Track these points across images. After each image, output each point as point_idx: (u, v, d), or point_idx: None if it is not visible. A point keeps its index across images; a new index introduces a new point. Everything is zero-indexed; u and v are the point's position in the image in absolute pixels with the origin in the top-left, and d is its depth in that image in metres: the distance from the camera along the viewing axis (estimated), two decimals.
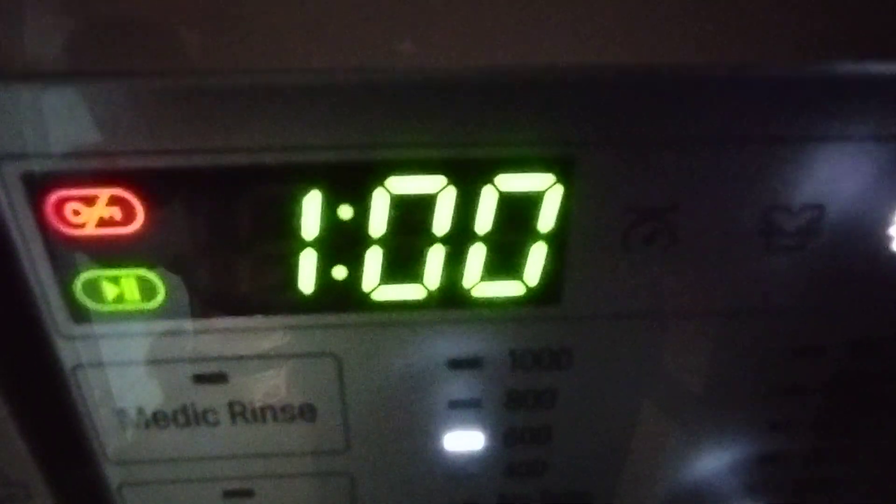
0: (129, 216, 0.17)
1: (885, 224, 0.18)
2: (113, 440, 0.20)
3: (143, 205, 0.16)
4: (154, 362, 0.19)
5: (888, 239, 0.18)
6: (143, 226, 0.17)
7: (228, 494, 0.22)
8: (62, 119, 0.15)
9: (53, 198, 0.16)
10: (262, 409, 0.20)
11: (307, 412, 0.20)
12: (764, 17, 0.15)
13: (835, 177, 0.17)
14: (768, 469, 0.23)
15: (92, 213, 0.17)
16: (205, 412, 0.20)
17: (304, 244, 0.17)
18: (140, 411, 0.20)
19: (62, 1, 0.14)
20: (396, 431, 0.21)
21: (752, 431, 0.22)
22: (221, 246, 0.17)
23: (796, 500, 0.23)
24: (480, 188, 0.17)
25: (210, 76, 0.15)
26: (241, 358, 0.19)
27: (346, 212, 0.17)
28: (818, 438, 0.22)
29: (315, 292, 0.18)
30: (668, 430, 0.22)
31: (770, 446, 0.22)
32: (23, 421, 0.19)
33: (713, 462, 0.23)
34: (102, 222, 0.17)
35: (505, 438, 0.21)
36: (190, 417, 0.20)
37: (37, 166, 0.16)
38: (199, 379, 0.19)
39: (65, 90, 0.15)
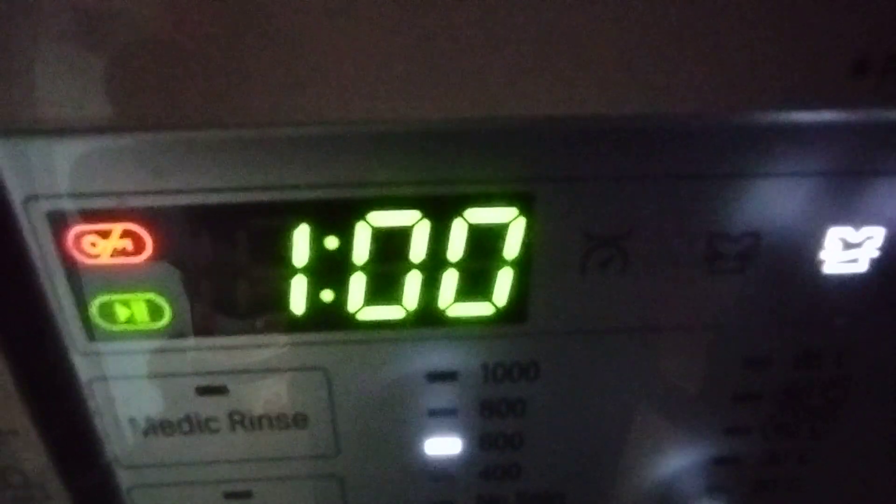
0: (139, 247, 0.19)
1: (815, 249, 0.20)
2: (124, 446, 0.22)
3: (151, 237, 0.19)
4: (161, 376, 0.21)
5: (818, 262, 0.20)
6: (152, 256, 0.19)
7: (229, 496, 0.24)
8: (81, 165, 0.17)
9: (73, 232, 0.18)
10: (259, 418, 0.22)
11: (300, 420, 0.22)
12: (702, 68, 0.17)
13: (768, 208, 0.19)
14: (726, 470, 0.25)
15: (107, 245, 0.19)
16: (207, 421, 0.22)
17: (295, 271, 0.19)
18: (149, 420, 0.22)
19: (77, 59, 0.16)
20: (381, 437, 0.23)
21: (708, 436, 0.24)
22: (221, 273, 0.19)
23: (754, 499, 0.25)
24: (452, 221, 0.19)
25: (210, 128, 0.17)
26: (239, 372, 0.21)
27: (332, 242, 0.19)
28: (770, 441, 0.24)
29: (306, 313, 0.20)
30: (631, 434, 0.24)
31: (726, 449, 0.24)
32: (43, 428, 0.21)
33: (675, 464, 0.24)
34: (116, 253, 0.19)
35: (480, 443, 0.23)
36: (193, 425, 0.22)
37: (59, 206, 0.18)
38: (202, 391, 0.22)
39: (81, 141, 0.17)
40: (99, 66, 0.16)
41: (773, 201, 0.19)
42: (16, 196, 0.18)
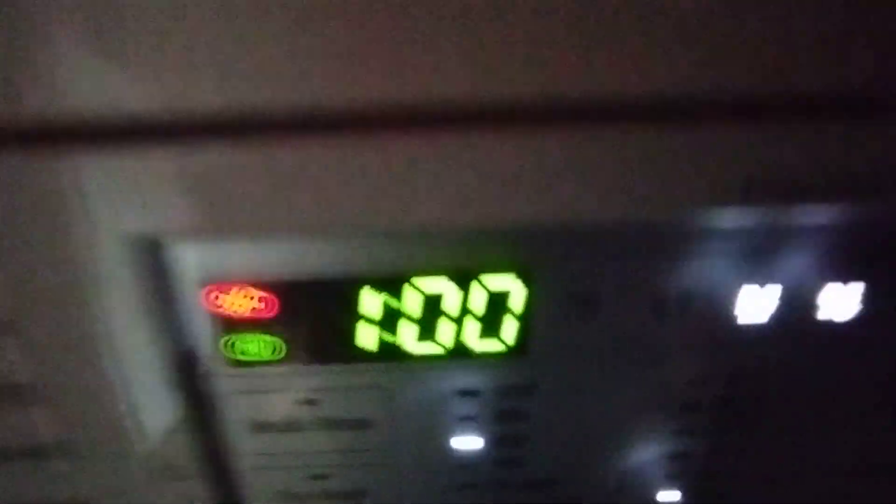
0: (270, 307, 0.28)
1: (728, 306, 0.28)
2: (239, 441, 0.32)
3: (279, 301, 0.28)
4: (275, 392, 0.30)
5: (733, 317, 0.28)
6: (278, 313, 0.28)
7: (313, 477, 0.33)
8: (245, 261, 0.27)
9: (224, 295, 0.28)
10: (339, 421, 0.31)
11: (365, 423, 0.31)
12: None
13: (697, 275, 0.28)
14: (678, 463, 0.33)
15: (247, 303, 0.28)
16: (306, 422, 0.31)
17: (369, 321, 0.29)
18: (265, 423, 0.31)
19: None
20: (423, 435, 0.32)
21: (663, 437, 0.32)
22: (323, 322, 0.29)
23: (702, 486, 0.33)
24: (472, 286, 0.28)
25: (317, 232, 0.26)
26: (326, 389, 0.31)
27: (393, 301, 0.28)
28: (711, 441, 0.32)
29: (375, 350, 0.29)
30: (608, 435, 0.32)
31: (676, 447, 0.32)
32: (197, 432, 0.30)
33: (640, 457, 0.33)
34: (253, 311, 0.28)
35: (494, 441, 0.32)
36: (293, 427, 0.31)
37: (214, 279, 0.27)
38: (301, 402, 0.31)
39: (253, 246, 0.26)
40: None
41: (699, 271, 0.27)
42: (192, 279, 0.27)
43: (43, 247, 0.24)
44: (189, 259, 0.27)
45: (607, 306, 0.28)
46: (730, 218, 0.26)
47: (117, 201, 0.24)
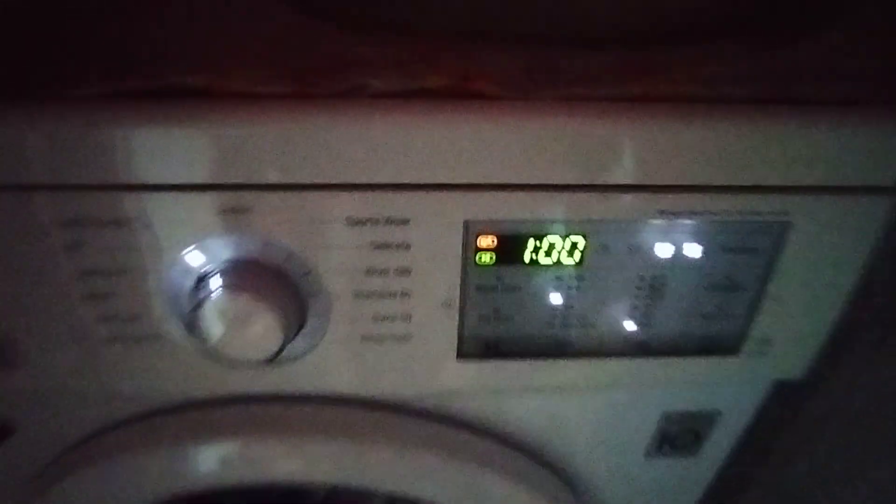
0: (492, 242, 0.77)
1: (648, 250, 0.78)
2: (477, 299, 0.81)
3: (496, 240, 0.77)
4: (487, 279, 0.80)
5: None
6: (495, 244, 0.77)
7: (492, 311, 0.83)
8: (486, 227, 0.75)
9: (480, 238, 0.76)
10: (507, 290, 0.81)
11: (516, 289, 0.81)
12: None
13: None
14: (637, 311, 0.84)
15: (485, 242, 0.77)
16: (498, 287, 0.81)
17: (529, 250, 0.78)
18: (484, 288, 0.80)
19: None
20: (541, 294, 0.82)
21: (630, 298, 0.83)
22: (528, 250, 0.78)
23: (650, 322, 0.84)
24: (567, 239, 0.77)
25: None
26: (508, 274, 0.80)
27: (538, 243, 0.77)
28: (651, 302, 0.83)
29: (528, 261, 0.78)
30: (611, 297, 0.83)
31: (636, 302, 0.83)
32: (462, 294, 0.80)
33: (621, 308, 0.83)
34: (485, 246, 0.77)
35: (566, 298, 0.82)
36: (494, 289, 0.81)
37: (480, 232, 0.76)
38: (496, 278, 0.80)
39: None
40: None
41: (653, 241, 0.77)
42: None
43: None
44: (474, 225, 0.75)
45: (613, 250, 0.78)
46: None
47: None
